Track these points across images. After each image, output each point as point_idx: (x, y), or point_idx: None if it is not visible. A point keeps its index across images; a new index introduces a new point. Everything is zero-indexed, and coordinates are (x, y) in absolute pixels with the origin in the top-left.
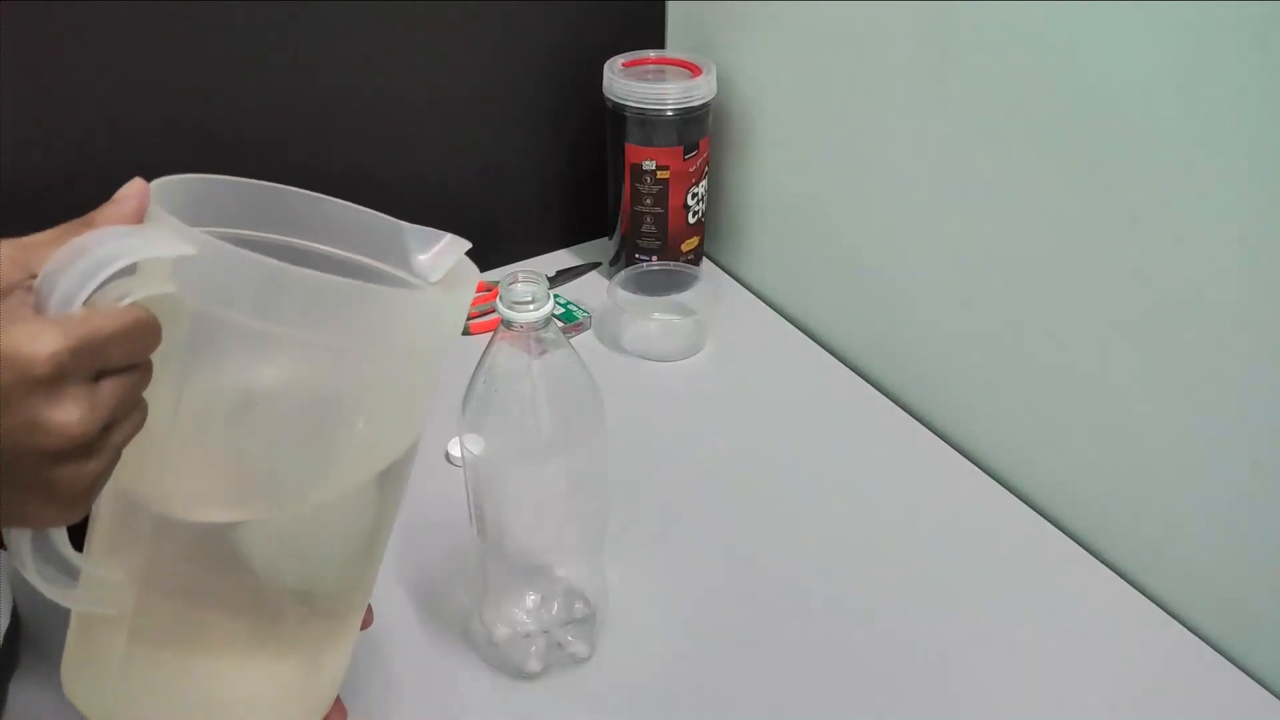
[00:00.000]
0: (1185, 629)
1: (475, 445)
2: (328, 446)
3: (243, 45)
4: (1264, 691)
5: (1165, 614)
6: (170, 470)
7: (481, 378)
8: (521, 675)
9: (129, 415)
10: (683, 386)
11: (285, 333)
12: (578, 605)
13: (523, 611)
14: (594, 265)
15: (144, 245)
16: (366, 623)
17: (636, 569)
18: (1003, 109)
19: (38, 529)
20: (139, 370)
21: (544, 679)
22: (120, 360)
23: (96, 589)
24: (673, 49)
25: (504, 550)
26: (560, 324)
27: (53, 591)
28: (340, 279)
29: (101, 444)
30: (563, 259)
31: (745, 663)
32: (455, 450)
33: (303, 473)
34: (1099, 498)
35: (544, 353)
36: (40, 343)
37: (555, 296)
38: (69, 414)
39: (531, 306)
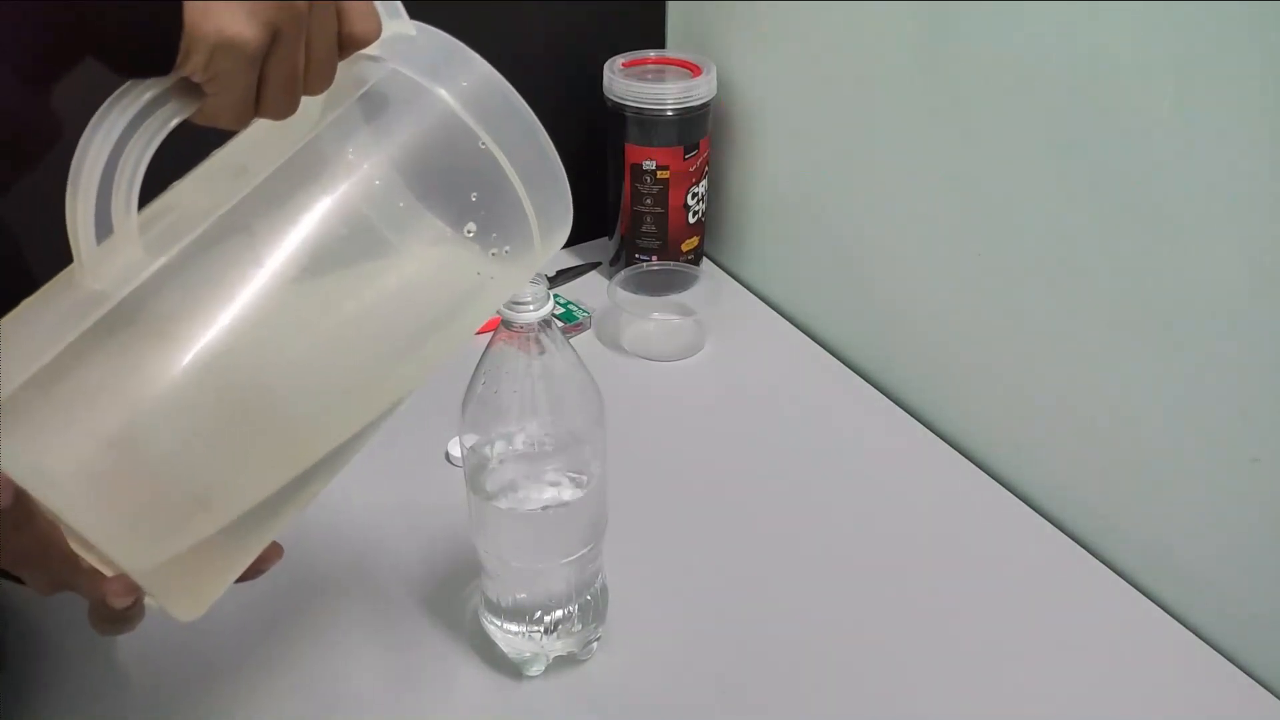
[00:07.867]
0: (1185, 629)
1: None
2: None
3: None
4: (1264, 691)
5: (1165, 614)
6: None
7: (481, 378)
8: (521, 675)
9: (311, 68)
10: (683, 386)
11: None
12: (578, 604)
13: (523, 611)
14: (594, 265)
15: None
16: (268, 559)
17: (636, 569)
18: (1003, 108)
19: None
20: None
21: (544, 679)
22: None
23: (113, 255)
24: (673, 49)
25: (503, 551)
26: (560, 324)
27: (83, 214)
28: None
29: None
30: (563, 259)
31: (745, 662)
32: (455, 450)
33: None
34: (1099, 498)
35: (544, 353)
36: None
37: (555, 296)
38: None
39: (531, 307)
